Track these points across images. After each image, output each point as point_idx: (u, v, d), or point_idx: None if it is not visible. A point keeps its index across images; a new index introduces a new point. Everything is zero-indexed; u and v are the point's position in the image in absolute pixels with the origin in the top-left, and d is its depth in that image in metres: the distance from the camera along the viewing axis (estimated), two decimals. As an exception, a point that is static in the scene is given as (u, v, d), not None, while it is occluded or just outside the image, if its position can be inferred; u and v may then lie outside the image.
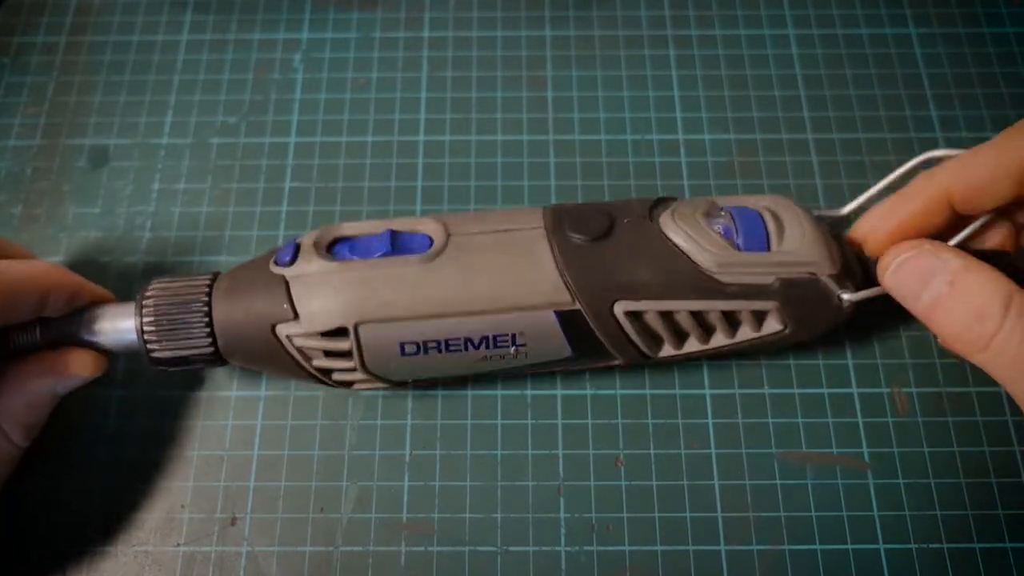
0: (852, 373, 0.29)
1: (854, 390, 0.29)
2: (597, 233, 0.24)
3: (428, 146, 0.34)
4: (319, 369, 0.25)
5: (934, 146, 0.33)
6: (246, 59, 0.36)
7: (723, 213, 0.25)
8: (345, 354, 0.24)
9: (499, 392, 0.29)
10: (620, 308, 0.24)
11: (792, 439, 0.28)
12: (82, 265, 0.31)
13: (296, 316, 0.24)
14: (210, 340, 0.24)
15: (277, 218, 0.32)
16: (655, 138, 0.34)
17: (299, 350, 0.24)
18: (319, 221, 0.32)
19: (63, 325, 0.25)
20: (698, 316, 0.25)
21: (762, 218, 0.25)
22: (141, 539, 0.27)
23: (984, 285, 0.21)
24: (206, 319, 0.24)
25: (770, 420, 0.28)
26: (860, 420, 0.28)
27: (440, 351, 0.24)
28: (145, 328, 0.24)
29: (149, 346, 0.24)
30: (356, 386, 0.26)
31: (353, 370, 0.25)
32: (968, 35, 0.36)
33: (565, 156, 0.33)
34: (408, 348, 0.24)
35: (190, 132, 0.34)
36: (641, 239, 0.25)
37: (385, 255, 0.24)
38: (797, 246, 0.25)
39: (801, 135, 0.33)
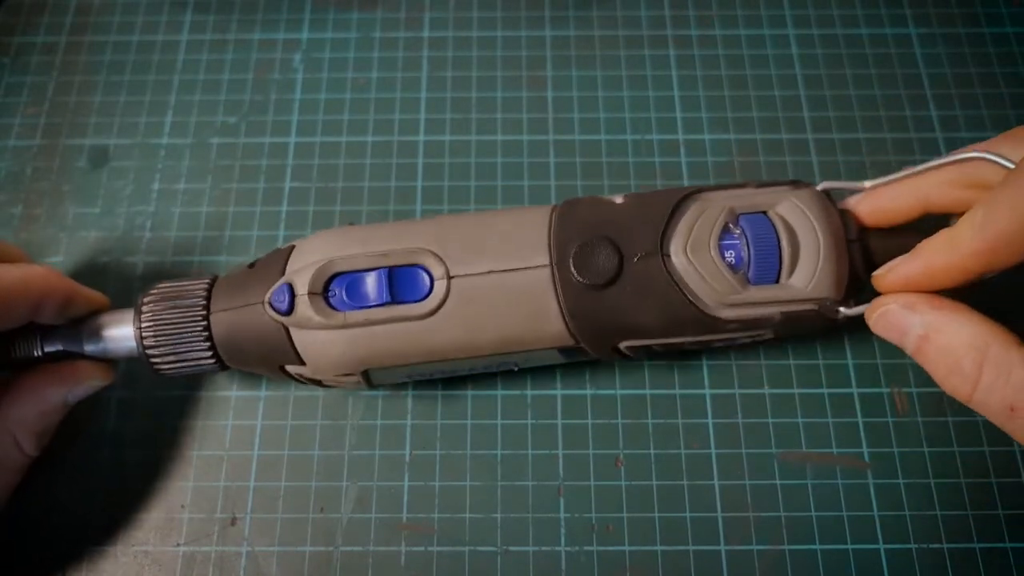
0: (852, 373, 0.29)
1: (854, 390, 0.29)
2: (604, 278, 0.24)
3: (428, 146, 0.34)
4: (327, 385, 0.26)
5: (934, 146, 0.33)
6: (246, 59, 0.36)
7: (739, 231, 0.25)
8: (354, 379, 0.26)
9: (499, 392, 0.29)
10: (623, 345, 0.25)
11: (792, 439, 0.28)
12: (82, 265, 0.31)
13: (303, 363, 0.25)
14: (212, 354, 0.25)
15: (277, 218, 0.32)
16: (655, 138, 0.34)
17: (309, 379, 0.26)
18: (319, 221, 0.32)
19: (64, 337, 0.25)
20: (696, 341, 0.26)
21: (778, 240, 0.24)
22: (141, 539, 0.27)
23: (956, 341, 0.21)
24: (205, 333, 0.24)
25: (770, 420, 0.28)
26: (860, 420, 0.28)
27: (444, 373, 0.26)
28: (146, 344, 0.25)
29: (152, 360, 0.25)
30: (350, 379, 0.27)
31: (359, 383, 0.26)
32: (968, 35, 0.36)
33: (565, 156, 0.33)
34: (415, 376, 0.26)
35: (190, 132, 0.34)
36: (648, 283, 0.24)
37: (385, 304, 0.24)
38: (808, 278, 0.24)
39: (801, 135, 0.33)
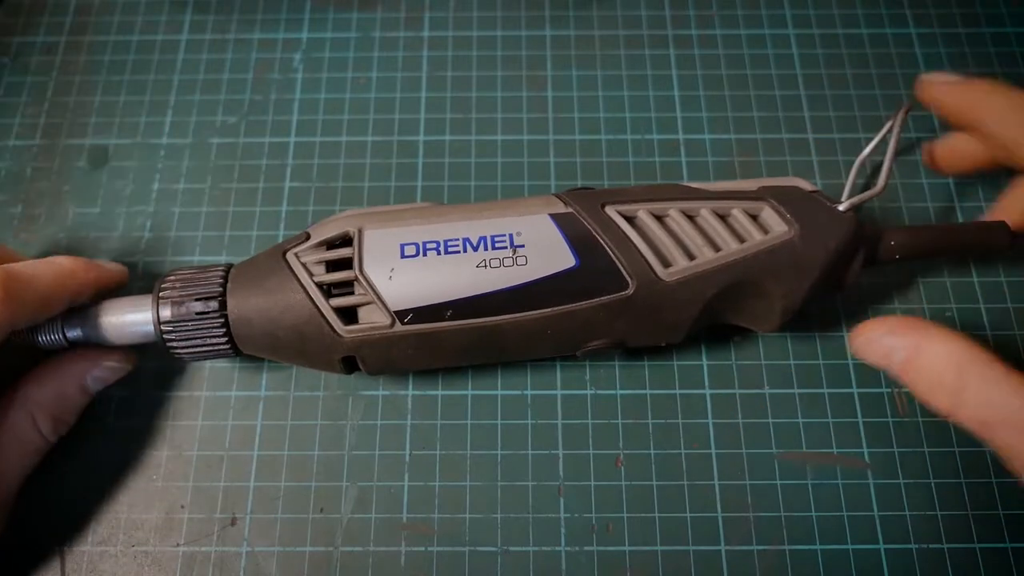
0: (852, 373, 0.29)
1: (854, 390, 0.29)
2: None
3: (428, 146, 0.34)
4: (320, 286, 0.24)
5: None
6: (246, 59, 0.36)
7: None
8: (346, 263, 0.25)
9: (499, 392, 0.29)
10: (611, 209, 0.25)
11: (792, 439, 0.28)
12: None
13: (308, 238, 0.25)
14: (227, 339, 0.25)
15: (277, 218, 0.32)
16: (655, 138, 0.34)
17: (304, 266, 0.25)
18: (319, 221, 0.32)
19: (83, 321, 0.26)
20: (693, 221, 0.25)
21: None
22: (141, 539, 0.27)
23: (939, 360, 0.23)
24: (222, 319, 0.25)
25: (770, 420, 0.28)
26: (860, 420, 0.28)
27: (439, 253, 0.24)
28: (164, 329, 0.25)
29: (169, 343, 0.25)
30: (356, 327, 0.24)
31: (351, 284, 0.24)
32: (968, 35, 0.36)
33: (565, 156, 0.33)
34: (408, 250, 0.24)
35: (190, 132, 0.34)
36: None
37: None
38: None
39: (801, 135, 0.33)
